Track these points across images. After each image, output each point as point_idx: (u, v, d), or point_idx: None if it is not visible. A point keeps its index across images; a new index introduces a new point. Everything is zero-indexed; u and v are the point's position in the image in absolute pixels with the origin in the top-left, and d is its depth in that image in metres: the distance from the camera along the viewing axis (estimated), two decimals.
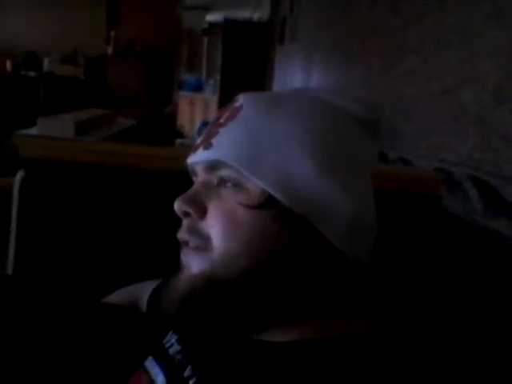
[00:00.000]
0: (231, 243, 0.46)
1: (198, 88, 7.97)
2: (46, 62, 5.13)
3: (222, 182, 0.49)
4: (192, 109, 7.52)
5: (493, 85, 0.95)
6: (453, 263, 0.88)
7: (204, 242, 0.48)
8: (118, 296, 0.74)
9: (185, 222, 0.50)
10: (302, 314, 0.48)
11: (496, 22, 0.95)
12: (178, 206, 0.49)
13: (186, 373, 0.46)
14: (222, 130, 0.50)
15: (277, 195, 0.46)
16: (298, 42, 4.01)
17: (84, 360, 0.54)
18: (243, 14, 8.03)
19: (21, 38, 5.28)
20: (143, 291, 0.71)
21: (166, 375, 0.47)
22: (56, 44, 5.32)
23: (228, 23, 6.57)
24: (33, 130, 1.04)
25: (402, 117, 1.44)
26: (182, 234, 0.50)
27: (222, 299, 0.47)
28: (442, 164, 1.11)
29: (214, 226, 0.47)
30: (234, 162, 0.47)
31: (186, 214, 0.49)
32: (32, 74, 4.90)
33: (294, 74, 4.07)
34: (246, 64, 6.33)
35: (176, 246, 0.53)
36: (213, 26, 8.03)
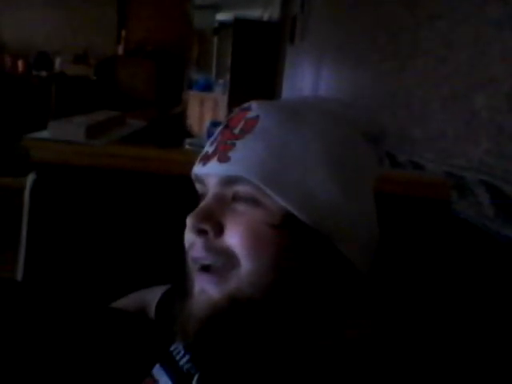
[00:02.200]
0: (259, 260, 0.45)
1: (207, 87, 7.98)
2: (57, 61, 5.17)
3: (238, 197, 0.47)
4: (201, 108, 7.54)
5: (506, 89, 0.94)
6: (463, 268, 0.88)
7: (227, 261, 0.45)
8: (127, 301, 0.74)
9: (198, 240, 0.47)
10: (318, 327, 0.48)
11: (509, 26, 0.94)
12: (192, 223, 0.47)
13: (194, 382, 0.46)
14: (238, 143, 0.48)
15: (299, 214, 0.46)
16: (308, 41, 4.00)
17: (92, 366, 0.54)
18: (253, 13, 8.03)
19: (32, 38, 5.33)
20: (152, 297, 0.71)
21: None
22: (67, 44, 5.36)
23: (238, 22, 6.57)
24: (44, 133, 1.05)
25: (412, 120, 1.43)
26: (196, 253, 0.47)
27: (245, 320, 0.45)
28: (453, 169, 1.10)
29: (238, 244, 0.45)
30: (256, 178, 0.46)
31: (202, 232, 0.47)
32: (44, 73, 4.94)
33: (303, 74, 4.06)
34: (255, 63, 6.33)
35: (184, 251, 0.53)
36: (223, 25, 8.04)
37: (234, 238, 0.46)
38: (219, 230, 0.46)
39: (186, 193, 0.60)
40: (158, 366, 0.50)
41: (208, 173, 0.50)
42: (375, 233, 0.52)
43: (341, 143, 0.50)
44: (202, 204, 0.49)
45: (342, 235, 0.47)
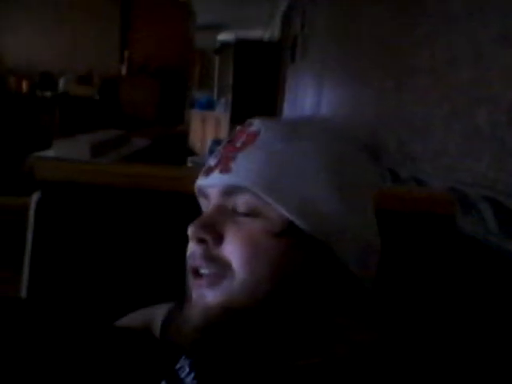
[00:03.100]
0: (254, 270, 0.46)
1: (209, 106, 8.06)
2: (61, 82, 5.23)
3: (239, 207, 0.48)
4: (203, 127, 7.60)
5: (506, 104, 0.95)
6: (467, 283, 0.87)
7: (222, 270, 0.47)
8: (131, 319, 0.74)
9: (197, 249, 0.49)
10: (319, 336, 0.48)
11: (508, 42, 0.95)
12: (192, 232, 0.48)
13: None
14: (240, 155, 0.49)
15: (299, 222, 0.46)
16: (308, 60, 4.05)
17: None
18: (254, 33, 8.14)
19: (36, 59, 5.40)
20: (156, 314, 0.70)
21: None
22: (71, 64, 5.43)
23: (239, 43, 6.67)
24: (49, 152, 1.06)
25: (414, 136, 1.44)
26: (194, 262, 0.49)
27: (240, 328, 0.46)
28: (456, 184, 1.10)
29: (234, 253, 0.46)
30: (256, 188, 0.47)
31: (202, 241, 0.48)
32: (48, 94, 5.00)
33: (305, 92, 4.10)
34: (257, 82, 6.39)
35: None
36: (224, 45, 8.15)
37: (231, 248, 0.47)
38: (218, 240, 0.48)
39: (190, 210, 0.60)
40: (163, 383, 0.50)
41: (210, 184, 0.51)
42: (375, 243, 0.52)
43: (339, 156, 0.51)
44: (204, 214, 0.51)
45: (340, 243, 0.48)
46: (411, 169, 1.40)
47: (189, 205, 0.61)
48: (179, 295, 0.69)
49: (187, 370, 0.51)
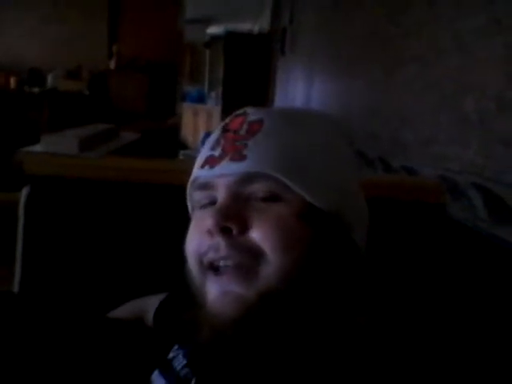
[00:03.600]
0: (288, 254, 0.45)
1: (200, 99, 8.02)
2: (49, 77, 5.18)
3: (257, 194, 0.48)
4: (195, 120, 7.57)
5: (494, 92, 0.95)
6: (457, 270, 0.88)
7: (253, 258, 0.45)
8: (124, 310, 0.74)
9: (221, 240, 0.46)
10: (333, 315, 0.49)
11: (494, 30, 0.96)
12: (215, 221, 0.46)
13: None
14: (251, 143, 0.49)
15: (319, 203, 0.48)
16: (298, 52, 4.04)
17: (91, 375, 0.54)
18: (244, 26, 8.09)
19: (24, 55, 5.34)
20: (149, 305, 0.71)
21: None
22: (59, 60, 5.38)
23: (229, 35, 6.64)
24: (37, 147, 1.05)
25: (404, 125, 1.44)
26: (217, 254, 0.46)
27: (276, 314, 0.45)
28: (446, 172, 1.11)
29: (265, 239, 0.45)
30: (277, 172, 0.47)
31: (226, 230, 0.46)
32: (36, 90, 4.95)
33: (295, 85, 4.09)
34: (247, 75, 6.37)
35: (181, 260, 0.53)
36: (214, 38, 8.09)
37: (260, 234, 0.45)
38: (244, 227, 0.46)
39: (182, 203, 0.60)
40: (156, 372, 0.50)
41: (220, 174, 0.49)
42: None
43: (340, 139, 0.54)
44: (220, 204, 0.48)
45: (354, 223, 0.51)
46: (402, 157, 1.40)
47: (180, 197, 0.60)
48: (171, 287, 0.69)
49: (180, 358, 0.52)
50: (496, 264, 0.84)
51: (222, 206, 0.48)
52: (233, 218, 0.46)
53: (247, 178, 0.48)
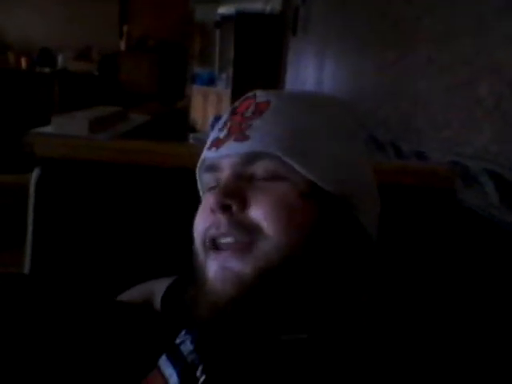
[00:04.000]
0: (287, 231, 0.45)
1: (210, 82, 7.95)
2: (60, 58, 5.18)
3: (259, 173, 0.48)
4: (205, 103, 7.52)
5: (509, 76, 0.93)
6: (468, 257, 0.88)
7: (252, 235, 0.46)
8: (132, 293, 0.74)
9: (221, 217, 0.47)
10: (338, 294, 0.48)
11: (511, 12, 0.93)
12: (216, 199, 0.47)
13: (198, 372, 0.47)
14: (255, 123, 0.49)
15: (323, 183, 0.47)
16: (310, 32, 3.98)
17: (98, 357, 0.55)
18: (255, 6, 7.97)
19: (35, 36, 5.34)
20: (157, 288, 0.71)
21: (180, 376, 0.47)
22: (70, 40, 5.37)
23: (240, 16, 6.54)
24: (47, 128, 1.05)
25: (416, 109, 1.42)
26: (218, 231, 0.47)
27: (276, 291, 0.45)
28: (458, 157, 1.09)
29: (265, 215, 0.46)
30: (280, 152, 0.47)
31: (226, 208, 0.47)
32: (47, 70, 4.95)
33: (307, 65, 4.05)
34: (258, 57, 6.30)
35: (190, 243, 0.53)
36: (225, 18, 7.99)
37: (260, 211, 0.46)
38: (243, 205, 0.47)
39: (191, 186, 0.60)
40: (164, 357, 0.51)
41: (224, 154, 0.50)
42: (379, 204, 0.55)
43: (349, 124, 0.53)
44: (222, 183, 0.49)
45: (363, 207, 0.50)
46: (414, 142, 1.39)
47: (190, 180, 0.60)
48: (180, 269, 0.70)
49: (188, 343, 0.52)
50: (506, 250, 0.83)
51: (224, 185, 0.49)
52: (233, 196, 0.47)
53: (250, 158, 0.48)
